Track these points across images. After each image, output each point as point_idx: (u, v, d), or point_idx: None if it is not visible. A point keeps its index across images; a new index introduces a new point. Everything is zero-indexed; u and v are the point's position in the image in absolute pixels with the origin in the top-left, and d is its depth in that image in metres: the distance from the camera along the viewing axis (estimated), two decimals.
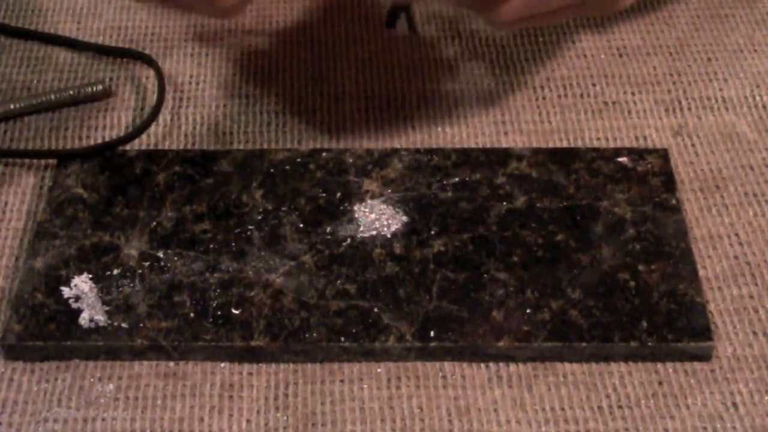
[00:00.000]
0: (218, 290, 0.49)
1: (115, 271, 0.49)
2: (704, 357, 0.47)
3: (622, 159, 0.54)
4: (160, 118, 0.58)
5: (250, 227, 0.51)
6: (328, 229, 0.51)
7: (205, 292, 0.49)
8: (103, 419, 0.46)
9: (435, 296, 0.48)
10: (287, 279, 0.49)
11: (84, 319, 0.48)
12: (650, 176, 0.53)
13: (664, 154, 0.54)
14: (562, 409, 0.46)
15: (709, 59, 0.61)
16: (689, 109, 0.58)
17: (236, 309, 0.48)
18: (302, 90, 0.60)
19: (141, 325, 0.47)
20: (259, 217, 0.52)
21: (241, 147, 0.57)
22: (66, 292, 0.49)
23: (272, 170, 0.54)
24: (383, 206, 0.52)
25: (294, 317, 0.48)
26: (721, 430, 0.45)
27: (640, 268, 0.49)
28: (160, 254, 0.50)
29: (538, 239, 0.50)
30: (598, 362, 0.47)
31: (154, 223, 0.51)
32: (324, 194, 0.53)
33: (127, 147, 0.56)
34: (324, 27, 0.63)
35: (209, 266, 0.49)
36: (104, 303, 0.48)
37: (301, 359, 0.47)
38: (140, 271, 0.49)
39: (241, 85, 0.60)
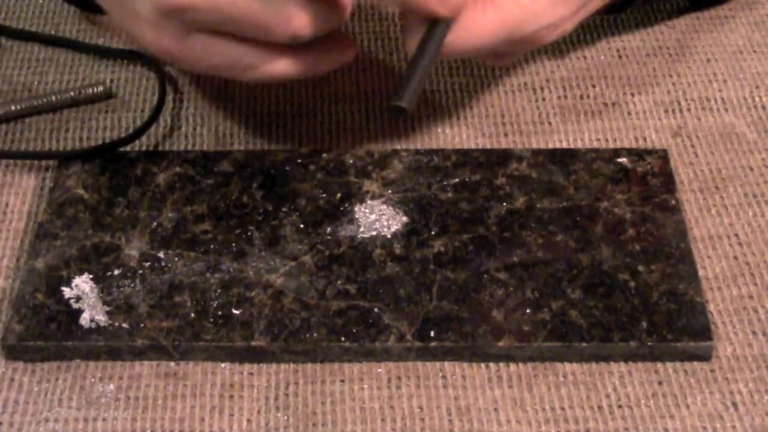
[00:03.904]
0: (219, 290, 0.49)
1: (116, 272, 0.49)
2: (704, 357, 0.47)
3: (622, 160, 0.54)
4: (161, 119, 0.58)
5: (250, 228, 0.51)
6: (329, 230, 0.51)
7: (206, 292, 0.49)
8: (104, 419, 0.46)
9: (435, 296, 0.48)
10: (288, 279, 0.49)
11: (85, 320, 0.48)
12: (650, 177, 0.53)
13: (663, 155, 0.55)
14: (562, 409, 0.46)
15: (708, 60, 0.61)
16: (689, 110, 0.58)
17: (237, 309, 0.48)
18: (302, 91, 0.60)
19: (142, 325, 0.47)
20: (260, 218, 0.52)
21: (242, 148, 0.57)
22: (67, 292, 0.49)
23: (272, 171, 0.54)
24: (383, 207, 0.52)
25: (294, 317, 0.48)
26: (721, 430, 0.45)
27: (640, 268, 0.49)
28: (161, 254, 0.50)
29: (537, 239, 0.50)
30: (598, 362, 0.47)
31: (155, 223, 0.51)
32: (324, 195, 0.53)
33: (128, 148, 0.56)
34: None
35: (210, 266, 0.50)
36: (105, 303, 0.48)
37: (301, 359, 0.47)
38: (141, 271, 0.49)
39: (241, 86, 0.60)
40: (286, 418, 0.46)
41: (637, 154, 0.54)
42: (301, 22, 0.46)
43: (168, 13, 0.46)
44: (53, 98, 0.59)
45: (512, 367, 0.47)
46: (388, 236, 0.51)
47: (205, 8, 0.45)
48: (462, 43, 0.49)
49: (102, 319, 0.48)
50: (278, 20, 0.46)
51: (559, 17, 0.51)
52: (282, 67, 0.49)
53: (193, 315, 0.48)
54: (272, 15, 0.46)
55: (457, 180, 0.53)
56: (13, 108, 0.58)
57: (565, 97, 0.59)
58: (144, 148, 0.57)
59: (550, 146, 0.56)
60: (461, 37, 0.49)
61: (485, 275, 0.49)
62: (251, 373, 0.47)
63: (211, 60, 0.48)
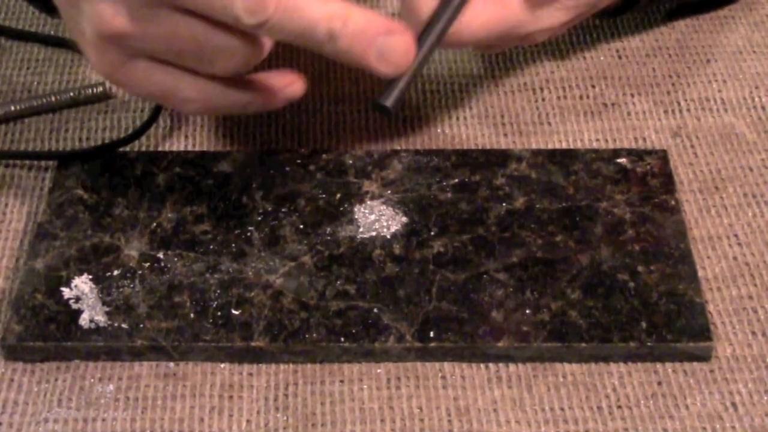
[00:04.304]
0: (218, 291, 0.49)
1: (116, 272, 0.49)
2: (704, 357, 0.47)
3: (622, 160, 0.54)
4: (161, 120, 0.58)
5: (250, 228, 0.51)
6: (328, 230, 0.51)
7: (205, 292, 0.49)
8: (104, 420, 0.46)
9: (435, 297, 0.48)
10: (287, 280, 0.49)
11: (84, 320, 0.48)
12: (649, 177, 0.53)
13: (663, 155, 0.55)
14: (562, 410, 0.46)
15: (708, 60, 0.61)
16: (688, 110, 0.58)
17: (236, 309, 0.48)
18: None
19: (141, 325, 0.47)
20: (259, 218, 0.52)
21: (241, 148, 0.57)
22: (66, 292, 0.49)
23: (272, 171, 0.54)
24: (383, 207, 0.52)
25: (294, 318, 0.48)
26: (720, 430, 0.45)
27: (640, 268, 0.49)
28: (161, 255, 0.50)
29: (537, 240, 0.50)
30: (597, 362, 0.47)
31: (155, 224, 0.51)
32: (324, 195, 0.53)
33: (128, 148, 0.56)
34: None
35: (209, 267, 0.50)
36: (104, 304, 0.48)
37: (301, 360, 0.47)
38: (140, 271, 0.49)
39: None
40: (285, 418, 0.46)
41: (637, 155, 0.54)
42: (243, 53, 0.44)
43: (107, 39, 0.45)
44: (53, 98, 0.59)
45: (512, 367, 0.47)
46: (388, 237, 0.51)
47: (141, 36, 0.44)
48: (459, 35, 0.49)
49: (101, 319, 0.48)
50: (221, 52, 0.44)
51: (557, 23, 0.52)
52: (222, 101, 0.47)
53: (192, 315, 0.48)
54: (214, 46, 0.44)
55: (456, 180, 0.53)
56: (13, 108, 0.58)
57: (565, 97, 0.59)
58: (144, 148, 0.56)
59: (550, 146, 0.56)
60: (460, 29, 0.49)
61: (485, 276, 0.49)
62: (251, 374, 0.47)
63: (150, 88, 0.47)
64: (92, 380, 0.47)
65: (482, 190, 0.53)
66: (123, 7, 0.44)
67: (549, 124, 0.58)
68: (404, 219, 0.52)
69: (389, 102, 0.46)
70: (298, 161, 0.54)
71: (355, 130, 0.58)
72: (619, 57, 0.62)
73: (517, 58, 0.61)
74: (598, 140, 0.57)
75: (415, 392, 0.47)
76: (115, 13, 0.44)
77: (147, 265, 0.50)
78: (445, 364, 0.47)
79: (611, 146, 0.56)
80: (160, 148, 0.57)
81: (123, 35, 0.44)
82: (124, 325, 0.47)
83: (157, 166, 0.54)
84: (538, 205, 0.52)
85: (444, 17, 0.48)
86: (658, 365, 0.47)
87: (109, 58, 0.46)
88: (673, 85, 0.60)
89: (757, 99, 0.59)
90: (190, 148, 0.57)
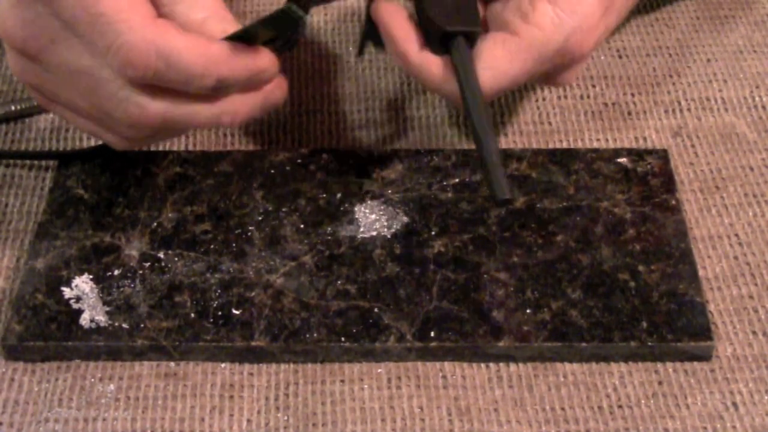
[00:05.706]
0: (219, 290, 0.49)
1: (116, 272, 0.49)
2: (704, 357, 0.47)
3: (622, 160, 0.54)
4: None
5: (250, 228, 0.51)
6: (329, 230, 0.51)
7: (206, 292, 0.49)
8: (104, 419, 0.46)
9: (435, 296, 0.48)
10: (288, 279, 0.49)
11: (85, 320, 0.48)
12: (650, 177, 0.53)
13: (663, 155, 0.55)
14: (563, 409, 0.46)
15: (708, 60, 0.61)
16: (689, 110, 0.58)
17: (237, 309, 0.48)
18: (302, 91, 0.60)
19: (142, 325, 0.47)
20: (260, 218, 0.52)
21: (242, 148, 0.57)
22: (67, 292, 0.49)
23: (272, 171, 0.54)
24: (383, 207, 0.52)
25: (294, 317, 0.48)
26: (721, 430, 0.45)
27: (640, 268, 0.49)
28: (161, 255, 0.50)
29: (538, 239, 0.50)
30: (598, 362, 0.47)
31: (155, 223, 0.51)
32: (324, 195, 0.53)
33: None
34: (324, 27, 0.64)
35: (210, 267, 0.50)
36: (105, 303, 0.48)
37: (301, 359, 0.47)
38: (141, 271, 0.49)
39: None
40: (286, 418, 0.46)
41: (638, 154, 0.54)
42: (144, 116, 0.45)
43: (26, 84, 0.47)
44: None
45: (512, 367, 0.47)
46: (388, 236, 0.51)
47: (44, 90, 0.46)
48: (495, 81, 0.48)
49: (102, 319, 0.48)
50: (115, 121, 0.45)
51: (581, 19, 0.49)
52: (149, 141, 0.49)
53: (193, 315, 0.48)
54: (106, 116, 0.45)
55: (457, 180, 0.53)
56: (13, 108, 0.58)
57: (565, 97, 0.59)
58: (144, 148, 0.56)
59: (551, 146, 0.56)
60: (491, 76, 0.48)
61: (485, 275, 0.49)
62: (251, 374, 0.47)
63: (76, 126, 0.48)
64: (93, 380, 0.47)
65: (483, 190, 0.53)
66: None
67: (549, 123, 0.58)
68: (405, 219, 0.52)
69: (506, 194, 0.45)
70: (298, 161, 0.54)
71: (355, 130, 0.58)
72: (620, 57, 0.62)
73: None
74: (598, 140, 0.57)
75: (416, 392, 0.47)
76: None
77: (147, 264, 0.50)
78: (446, 363, 0.47)
79: (612, 146, 0.56)
80: (160, 148, 0.57)
81: (30, 85, 0.46)
82: (124, 325, 0.47)
83: (157, 166, 0.54)
84: (538, 205, 0.52)
85: (464, 70, 0.47)
86: (659, 365, 0.47)
87: (37, 96, 0.47)
88: (673, 84, 0.60)
89: (757, 98, 0.59)
90: (190, 148, 0.57)
